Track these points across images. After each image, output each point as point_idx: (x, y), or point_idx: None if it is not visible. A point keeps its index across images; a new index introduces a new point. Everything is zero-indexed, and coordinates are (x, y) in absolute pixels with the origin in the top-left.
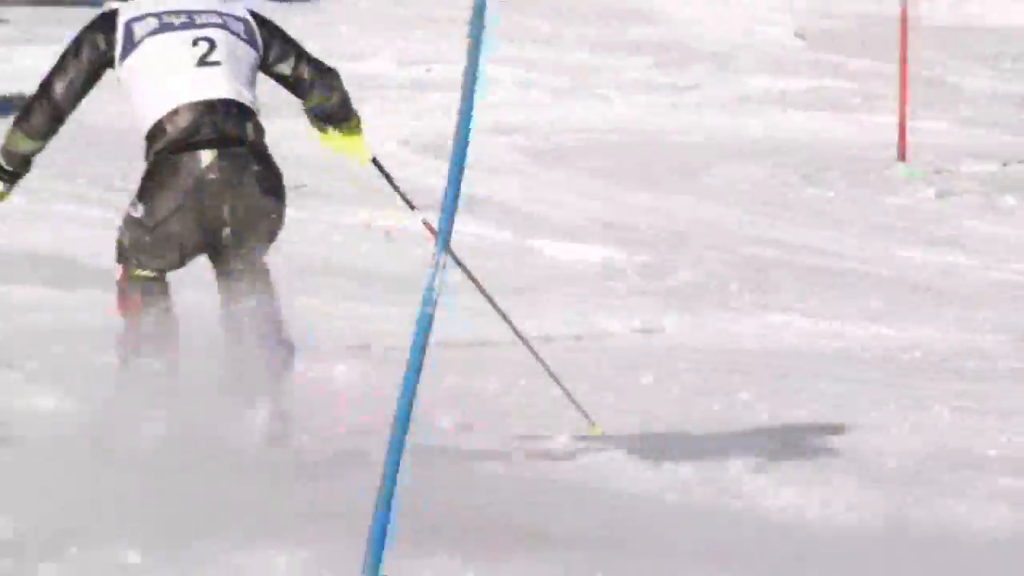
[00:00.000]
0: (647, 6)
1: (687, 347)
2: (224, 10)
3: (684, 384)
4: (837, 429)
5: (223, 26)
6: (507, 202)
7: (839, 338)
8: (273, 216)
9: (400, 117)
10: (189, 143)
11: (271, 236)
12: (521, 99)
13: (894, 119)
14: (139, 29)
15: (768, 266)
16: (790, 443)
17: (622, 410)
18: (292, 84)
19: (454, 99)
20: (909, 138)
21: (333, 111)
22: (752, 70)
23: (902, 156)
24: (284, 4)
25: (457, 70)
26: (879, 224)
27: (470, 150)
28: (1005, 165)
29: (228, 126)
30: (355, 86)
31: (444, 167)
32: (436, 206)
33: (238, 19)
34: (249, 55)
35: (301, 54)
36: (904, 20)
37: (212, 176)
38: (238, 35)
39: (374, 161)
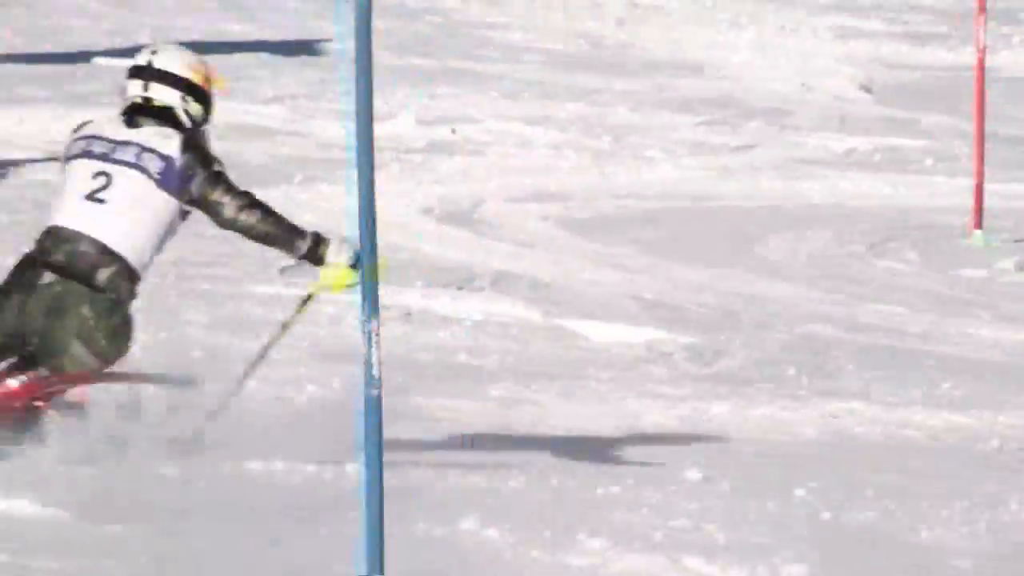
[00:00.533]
0: (696, 58)
1: (738, 438)
2: (151, 145)
3: (735, 480)
4: (905, 528)
5: (135, 165)
6: (540, 278)
7: (908, 427)
8: (73, 360)
9: (422, 183)
10: (42, 261)
11: (59, 370)
12: (555, 163)
13: (970, 182)
14: (74, 148)
15: (829, 347)
16: (853, 544)
17: (667, 508)
18: (205, 209)
19: (482, 163)
20: (987, 203)
21: (251, 233)
22: (813, 128)
23: (978, 223)
24: (291, 59)
25: (484, 130)
26: (953, 299)
27: (500, 220)
28: None
29: (79, 263)
30: (374, 150)
31: (472, 238)
32: (461, 283)
33: (160, 157)
34: (155, 201)
35: (195, 171)
36: (981, 71)
37: (44, 292)
38: (149, 175)
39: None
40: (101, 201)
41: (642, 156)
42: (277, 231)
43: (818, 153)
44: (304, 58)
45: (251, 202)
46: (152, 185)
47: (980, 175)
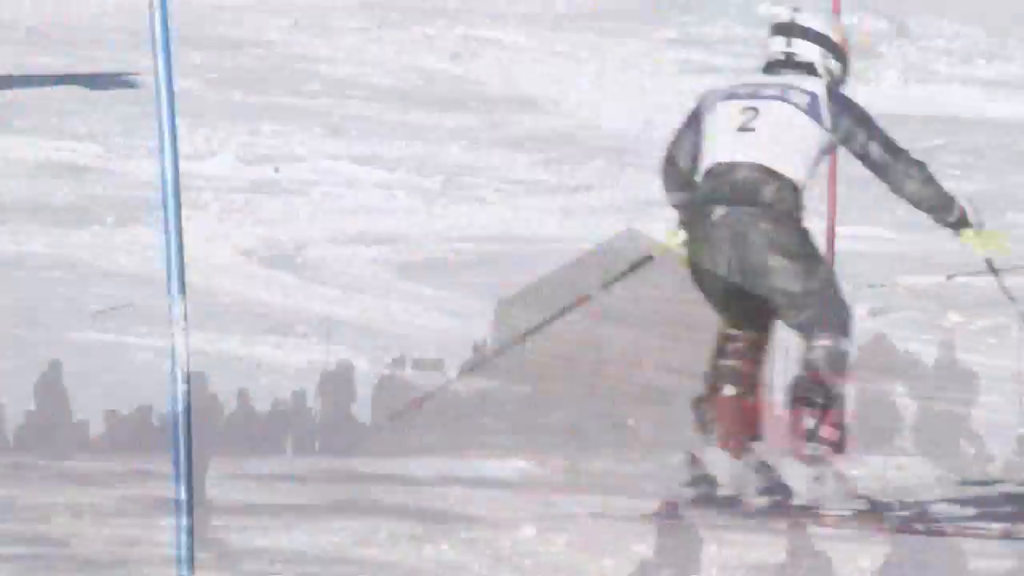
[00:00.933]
0: (533, 94)
1: (575, 492)
2: (795, 84)
3: (571, 538)
4: None
5: (779, 97)
6: (369, 325)
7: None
8: (779, 275)
9: (242, 224)
10: (709, 198)
11: (780, 294)
12: (385, 204)
13: (822, 224)
14: (714, 96)
15: (671, 398)
16: None
17: (499, 565)
18: (868, 165)
19: (306, 203)
20: (838, 246)
21: (923, 205)
22: (656, 167)
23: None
24: (106, 93)
25: (309, 169)
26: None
27: (325, 264)
28: (950, 277)
29: (743, 187)
30: (192, 189)
31: (296, 282)
32: (284, 329)
33: (804, 92)
34: (805, 126)
35: (871, 134)
36: None
37: (719, 225)
38: (796, 106)
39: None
40: (751, 130)
41: (475, 196)
42: (942, 201)
43: (661, 194)
44: (119, 92)
45: (928, 175)
46: (800, 114)
47: (832, 217)
